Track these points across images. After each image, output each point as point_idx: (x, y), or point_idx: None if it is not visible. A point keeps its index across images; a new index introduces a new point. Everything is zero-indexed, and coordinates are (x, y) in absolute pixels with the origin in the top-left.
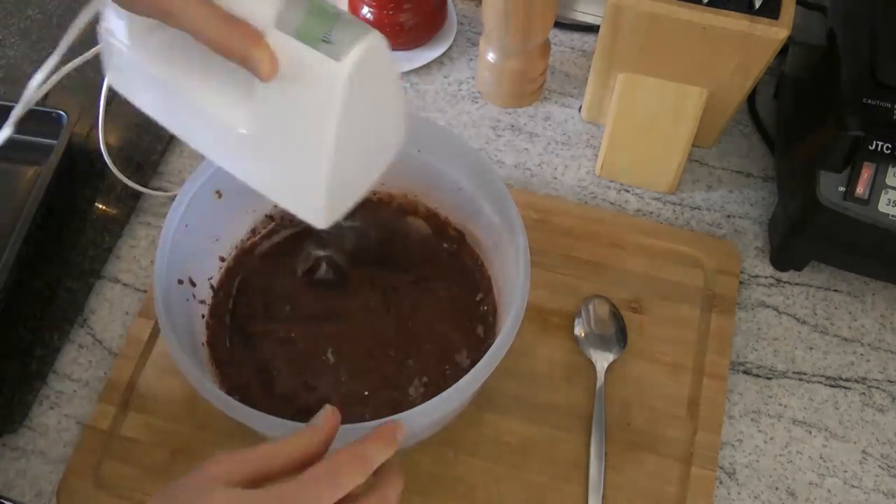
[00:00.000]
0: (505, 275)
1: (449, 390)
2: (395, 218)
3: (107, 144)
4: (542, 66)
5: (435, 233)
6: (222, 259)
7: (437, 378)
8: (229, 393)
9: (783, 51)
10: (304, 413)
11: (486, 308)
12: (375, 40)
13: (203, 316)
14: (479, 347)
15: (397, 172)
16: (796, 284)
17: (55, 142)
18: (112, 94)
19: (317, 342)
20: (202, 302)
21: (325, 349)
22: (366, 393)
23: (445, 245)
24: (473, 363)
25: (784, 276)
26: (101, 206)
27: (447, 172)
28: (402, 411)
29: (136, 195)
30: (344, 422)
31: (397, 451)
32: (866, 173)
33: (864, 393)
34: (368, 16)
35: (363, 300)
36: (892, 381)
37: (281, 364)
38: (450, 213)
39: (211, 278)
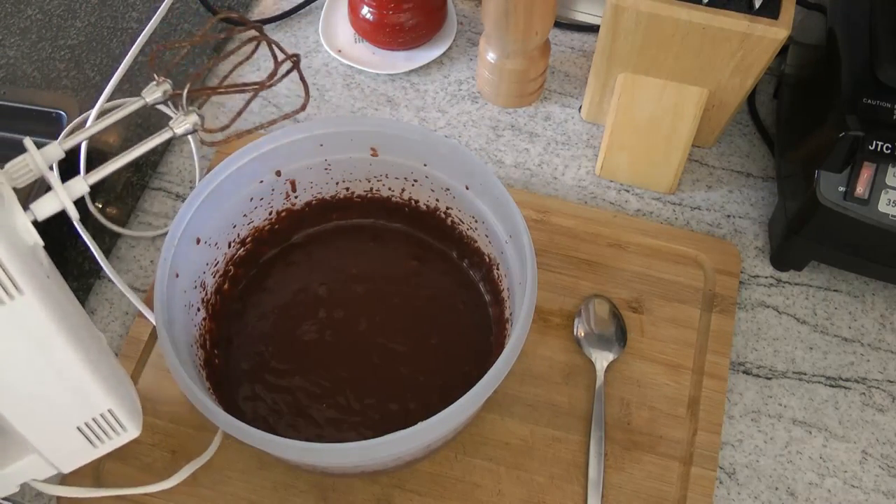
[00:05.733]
0: (511, 281)
1: (459, 400)
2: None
3: (106, 144)
4: (542, 66)
5: (441, 244)
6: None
7: (450, 389)
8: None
9: (783, 51)
10: (306, 419)
11: (494, 316)
12: None
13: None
14: (488, 356)
15: (401, 184)
16: (796, 284)
17: (55, 142)
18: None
19: (322, 358)
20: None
21: (330, 364)
22: (371, 406)
23: (454, 255)
24: (482, 373)
25: (784, 276)
26: (100, 205)
27: (447, 181)
28: (410, 425)
29: (137, 194)
30: (349, 437)
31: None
32: (866, 173)
33: (864, 393)
34: (368, 16)
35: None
36: (892, 381)
37: (282, 383)
38: (455, 221)
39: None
